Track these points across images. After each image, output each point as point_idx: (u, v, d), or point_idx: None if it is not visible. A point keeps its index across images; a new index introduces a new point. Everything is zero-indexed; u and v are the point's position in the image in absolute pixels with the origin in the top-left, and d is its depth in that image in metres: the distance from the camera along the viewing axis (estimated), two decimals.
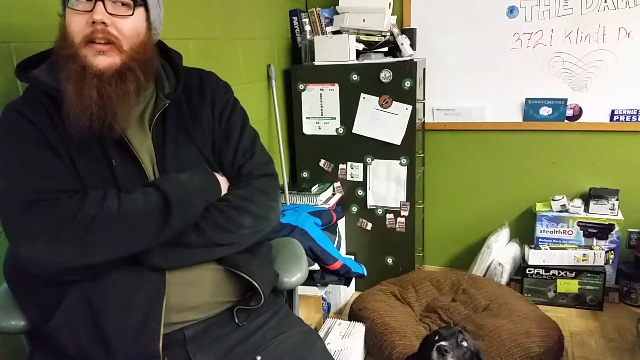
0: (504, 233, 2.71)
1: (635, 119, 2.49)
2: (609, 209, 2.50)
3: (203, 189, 1.08)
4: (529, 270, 2.53)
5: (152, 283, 0.99)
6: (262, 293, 1.06)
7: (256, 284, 1.06)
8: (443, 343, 1.37)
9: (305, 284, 2.21)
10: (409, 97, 2.42)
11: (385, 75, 2.41)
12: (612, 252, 2.52)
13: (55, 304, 0.97)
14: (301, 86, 2.57)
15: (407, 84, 2.39)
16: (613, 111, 2.51)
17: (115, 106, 1.01)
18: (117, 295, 0.98)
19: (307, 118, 2.61)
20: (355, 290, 2.77)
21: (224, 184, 1.13)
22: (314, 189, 2.59)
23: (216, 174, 1.13)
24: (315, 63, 2.53)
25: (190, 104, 1.17)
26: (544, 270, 2.50)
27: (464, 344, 1.38)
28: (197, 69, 1.25)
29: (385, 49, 2.59)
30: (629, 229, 2.59)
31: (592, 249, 2.49)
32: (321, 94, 2.55)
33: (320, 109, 2.57)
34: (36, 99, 1.02)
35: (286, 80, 2.65)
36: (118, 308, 0.96)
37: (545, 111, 2.60)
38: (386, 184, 2.58)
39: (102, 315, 0.95)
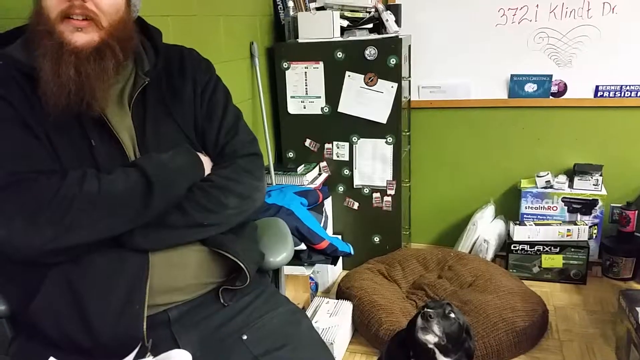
0: (489, 210, 2.73)
1: (619, 95, 2.50)
2: (593, 185, 2.53)
3: (185, 168, 1.06)
4: (514, 246, 2.55)
5: (134, 265, 0.98)
6: (248, 273, 1.06)
7: (241, 264, 1.05)
8: (428, 309, 1.37)
9: (292, 263, 2.21)
10: (394, 74, 2.40)
11: (370, 53, 2.38)
12: (596, 227, 2.55)
13: (36, 287, 0.95)
14: (285, 64, 2.53)
15: (393, 61, 2.37)
16: (597, 87, 2.52)
17: (93, 84, 0.98)
18: (98, 277, 0.96)
19: (291, 97, 2.58)
20: (343, 269, 2.78)
21: (207, 163, 1.11)
22: (300, 169, 2.58)
23: (199, 154, 1.11)
24: (299, 40, 2.49)
25: (170, 82, 1.14)
26: (528, 246, 2.53)
27: (452, 315, 1.38)
28: (177, 45, 1.22)
29: (370, 25, 2.56)
30: (612, 204, 2.62)
31: (576, 224, 2.52)
32: (306, 73, 2.51)
33: (305, 88, 2.54)
34: (10, 78, 0.99)
35: (270, 58, 2.61)
36: (100, 290, 0.95)
37: (530, 87, 2.60)
38: (372, 163, 2.58)
39: (84, 298, 0.94)
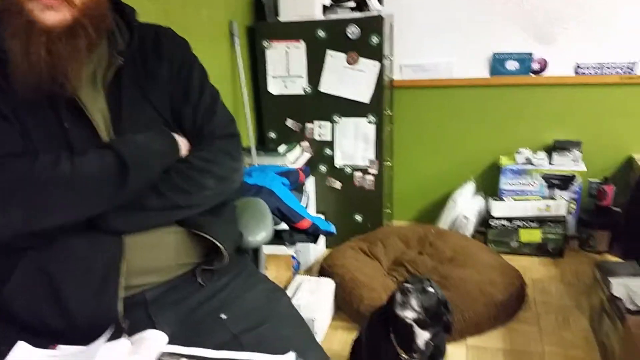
0: (470, 187, 2.77)
1: (599, 72, 2.52)
2: (572, 161, 2.57)
3: (161, 150, 1.05)
4: (493, 222, 2.60)
5: (110, 247, 0.98)
6: (225, 253, 1.06)
7: (219, 244, 1.06)
8: (406, 284, 1.39)
9: (274, 243, 2.24)
10: (376, 53, 2.39)
11: (352, 31, 2.37)
12: (574, 202, 2.60)
13: (10, 270, 0.95)
14: (266, 44, 2.51)
15: (375, 40, 2.36)
16: (578, 65, 2.54)
17: (65, 65, 0.95)
18: (73, 260, 0.96)
19: (272, 77, 2.56)
20: (326, 248, 2.81)
21: (183, 145, 1.10)
22: (282, 149, 2.58)
23: (175, 135, 1.10)
24: (280, 19, 2.46)
25: (145, 62, 1.12)
26: (507, 222, 2.58)
27: (430, 289, 1.41)
28: (152, 24, 1.19)
29: (352, 4, 2.54)
30: (590, 179, 2.67)
31: (554, 199, 2.57)
32: (287, 52, 2.49)
33: (286, 68, 2.52)
34: None
35: (250, 37, 2.58)
36: (75, 273, 0.95)
37: (511, 65, 2.61)
38: (354, 143, 2.58)
39: (59, 281, 0.94)
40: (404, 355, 1.42)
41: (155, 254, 1.04)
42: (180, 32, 1.22)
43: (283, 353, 0.82)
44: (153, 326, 1.00)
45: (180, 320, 1.04)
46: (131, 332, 0.95)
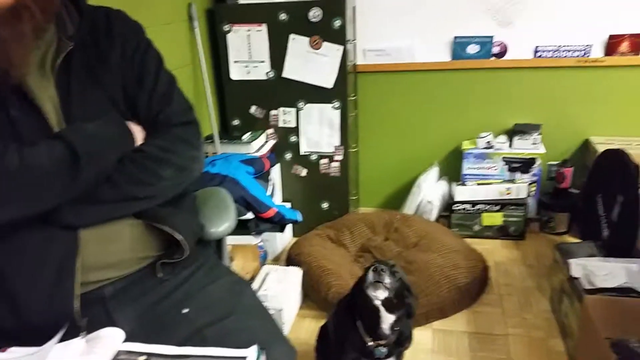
0: (433, 172, 2.79)
1: (557, 55, 2.57)
2: (532, 144, 2.62)
3: (115, 139, 1.01)
4: (456, 206, 2.64)
5: (64, 242, 0.93)
6: (186, 245, 1.03)
7: (178, 237, 1.02)
8: (379, 265, 1.39)
9: (239, 233, 2.21)
10: (339, 37, 2.36)
11: (315, 14, 2.33)
12: (534, 184, 2.66)
13: None
14: (226, 27, 2.44)
15: (337, 23, 2.33)
16: (536, 47, 2.58)
17: (10, 50, 0.89)
18: (26, 257, 0.92)
19: (234, 62, 2.50)
20: (293, 236, 2.79)
21: (138, 133, 1.05)
22: (246, 137, 2.53)
23: (130, 123, 1.05)
24: (240, 1, 2.40)
25: (97, 46, 1.06)
26: (470, 205, 2.62)
27: (397, 274, 1.41)
28: (103, 7, 1.13)
29: None
30: (549, 162, 2.74)
31: (515, 182, 2.62)
32: (248, 36, 2.44)
33: (248, 52, 2.47)
34: None
35: (210, 21, 2.51)
36: (28, 270, 0.91)
37: (472, 49, 2.63)
38: (319, 129, 2.56)
39: (10, 278, 0.89)
40: (370, 342, 1.42)
41: (112, 248, 1.01)
42: (134, 15, 1.17)
43: (248, 346, 0.80)
44: (112, 323, 0.98)
45: (141, 316, 1.01)
46: (89, 330, 0.92)
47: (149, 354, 0.76)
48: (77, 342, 0.77)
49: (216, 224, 1.19)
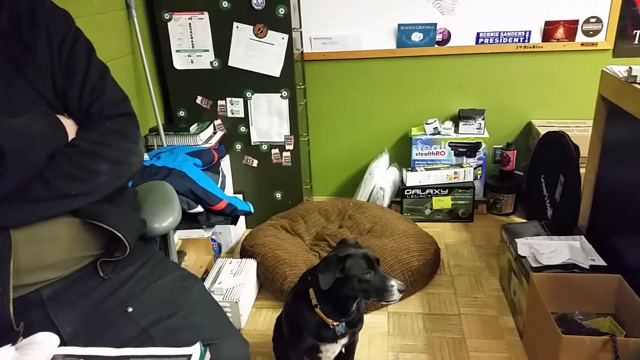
0: (384, 159, 2.82)
1: (498, 41, 2.63)
2: (477, 129, 2.68)
3: (44, 134, 0.95)
4: (407, 192, 2.68)
5: None
6: (127, 242, 0.99)
7: (119, 234, 0.98)
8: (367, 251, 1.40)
9: (190, 227, 2.15)
10: (284, 25, 2.33)
11: (258, 2, 2.28)
12: (480, 168, 2.73)
13: None
14: (167, 15, 2.35)
15: (282, 11, 2.29)
16: (478, 34, 2.63)
17: None
18: None
19: (177, 51, 2.42)
20: (247, 228, 2.75)
21: (70, 127, 0.99)
22: (193, 128, 2.46)
23: (60, 116, 0.99)
24: None
25: (20, 36, 0.99)
26: (420, 190, 2.67)
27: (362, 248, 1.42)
28: None
29: None
30: (494, 146, 2.81)
31: (462, 167, 2.68)
32: (190, 24, 2.36)
33: (190, 41, 2.39)
34: None
35: (149, 9, 2.41)
36: None
37: (416, 37, 2.65)
38: (269, 119, 2.52)
39: None
40: (333, 323, 1.41)
41: (47, 248, 0.95)
42: (66, 4, 1.10)
43: (195, 343, 0.77)
44: (53, 326, 0.94)
45: (84, 317, 0.97)
46: (27, 334, 0.86)
47: (87, 357, 0.71)
48: (6, 351, 0.71)
49: (159, 219, 1.14)
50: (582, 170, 2.06)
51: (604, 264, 1.75)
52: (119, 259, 1.01)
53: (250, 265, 2.18)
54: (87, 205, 0.98)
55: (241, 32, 2.35)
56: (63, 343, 0.89)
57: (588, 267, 1.74)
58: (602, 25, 2.54)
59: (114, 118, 1.04)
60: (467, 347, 1.82)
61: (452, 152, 2.71)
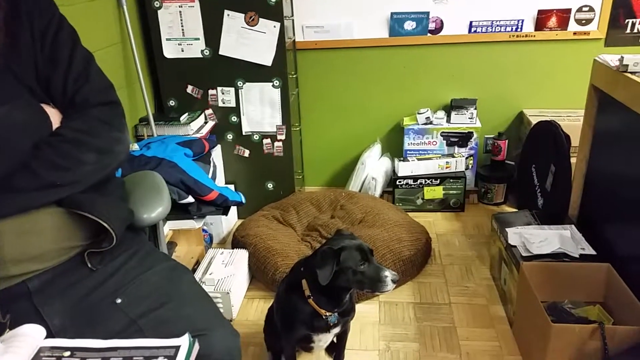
0: (376, 149, 2.81)
1: (491, 30, 2.62)
2: (469, 118, 2.68)
3: (27, 123, 0.93)
4: (399, 182, 2.67)
5: None
6: (114, 233, 0.97)
7: (105, 224, 0.96)
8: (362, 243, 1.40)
9: (181, 217, 2.14)
10: (276, 13, 2.30)
11: None
12: (472, 158, 2.73)
13: None
14: (157, 3, 2.32)
15: None
16: (471, 23, 2.62)
17: None
18: None
19: (167, 40, 2.39)
20: (238, 218, 2.74)
21: (54, 116, 0.98)
22: (184, 118, 2.44)
23: (44, 106, 0.97)
24: None
25: (3, 29, 0.97)
26: (412, 180, 2.67)
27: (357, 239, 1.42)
28: None
29: None
30: (486, 136, 2.81)
31: (454, 156, 2.68)
32: (180, 12, 2.33)
33: (181, 29, 2.36)
34: None
35: None
36: None
37: (409, 25, 2.64)
38: (260, 108, 2.50)
39: None
40: (326, 313, 1.41)
41: (33, 239, 0.94)
42: None
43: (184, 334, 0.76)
44: (40, 318, 0.93)
45: (72, 309, 0.96)
46: (14, 327, 0.85)
47: (74, 349, 0.71)
48: None
49: (148, 210, 1.13)
50: (573, 160, 2.06)
51: (594, 252, 1.76)
52: (107, 249, 1.00)
53: (242, 255, 2.17)
54: (73, 195, 0.96)
55: (232, 20, 2.32)
56: (51, 335, 0.88)
57: (578, 256, 1.75)
58: (595, 14, 2.54)
59: (99, 106, 1.02)
60: (457, 336, 1.83)
61: (444, 142, 2.70)
